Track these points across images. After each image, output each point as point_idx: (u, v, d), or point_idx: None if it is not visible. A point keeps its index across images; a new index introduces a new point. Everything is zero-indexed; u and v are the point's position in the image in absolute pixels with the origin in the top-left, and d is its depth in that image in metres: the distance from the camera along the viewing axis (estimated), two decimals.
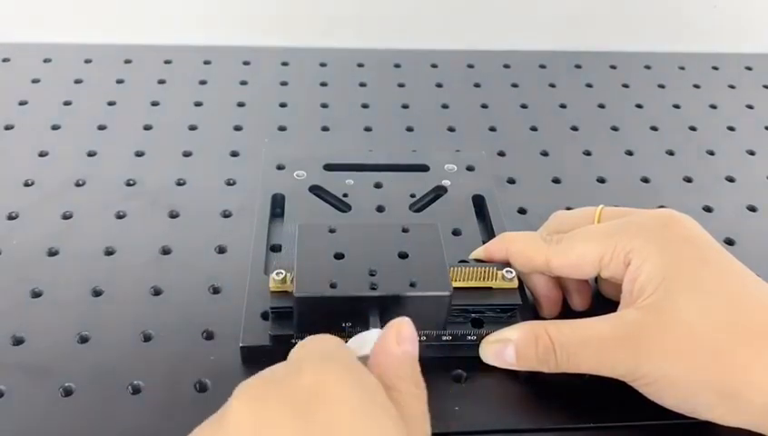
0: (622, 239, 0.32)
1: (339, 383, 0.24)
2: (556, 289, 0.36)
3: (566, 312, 0.36)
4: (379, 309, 0.32)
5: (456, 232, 0.40)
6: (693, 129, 0.54)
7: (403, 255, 0.33)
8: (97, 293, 0.38)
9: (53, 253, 0.40)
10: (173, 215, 0.43)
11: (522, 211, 0.45)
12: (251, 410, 0.23)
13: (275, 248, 0.40)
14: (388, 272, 0.32)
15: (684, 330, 0.30)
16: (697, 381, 0.29)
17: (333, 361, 0.25)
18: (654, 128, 0.53)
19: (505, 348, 0.32)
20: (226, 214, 0.43)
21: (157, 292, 0.38)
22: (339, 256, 0.33)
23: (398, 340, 0.27)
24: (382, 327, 0.29)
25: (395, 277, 0.32)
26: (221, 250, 0.41)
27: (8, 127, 0.49)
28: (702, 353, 0.29)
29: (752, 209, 0.46)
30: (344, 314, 0.32)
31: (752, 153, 0.52)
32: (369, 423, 0.23)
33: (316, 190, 0.43)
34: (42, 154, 0.47)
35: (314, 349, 0.26)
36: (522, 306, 0.35)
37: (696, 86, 0.59)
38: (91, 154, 0.47)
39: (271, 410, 0.23)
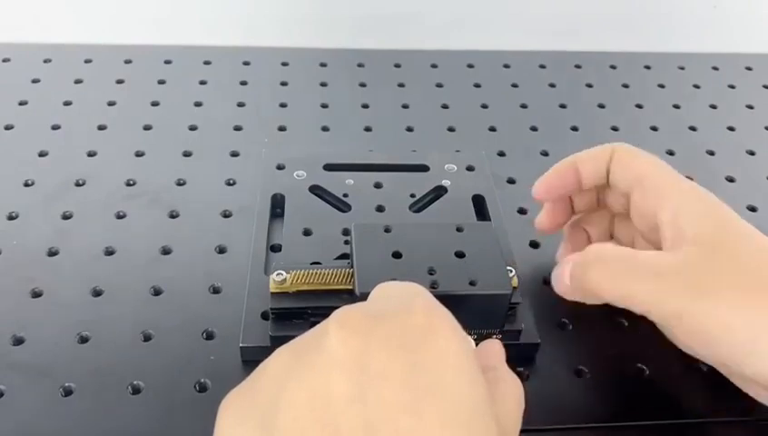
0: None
1: (449, 329, 0.23)
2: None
3: (571, 307, 0.36)
4: None
5: None
6: (693, 129, 0.54)
7: (460, 254, 0.33)
8: (97, 293, 0.38)
9: (53, 253, 0.40)
10: (173, 215, 0.43)
11: (522, 211, 0.45)
12: (355, 344, 0.22)
13: (275, 248, 0.40)
14: (448, 271, 0.33)
15: (750, 268, 0.28)
16: (759, 324, 0.28)
17: (443, 310, 0.24)
18: (654, 128, 0.53)
19: (563, 270, 0.32)
20: (226, 214, 0.43)
21: (157, 292, 0.38)
22: (396, 255, 0.33)
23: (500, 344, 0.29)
24: None
25: (454, 276, 0.32)
26: (221, 250, 0.41)
27: (8, 127, 0.49)
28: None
29: (752, 209, 0.46)
30: None
31: (752, 153, 0.52)
32: (473, 376, 0.23)
33: (316, 190, 0.43)
34: (42, 154, 0.47)
35: (420, 292, 0.25)
36: (522, 305, 0.35)
37: (696, 86, 0.59)
38: (91, 154, 0.47)
39: (378, 345, 0.22)
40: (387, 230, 0.34)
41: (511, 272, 0.35)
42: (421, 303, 0.24)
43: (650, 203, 0.33)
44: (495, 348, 0.28)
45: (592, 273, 0.31)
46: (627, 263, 0.30)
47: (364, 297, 0.31)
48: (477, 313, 0.31)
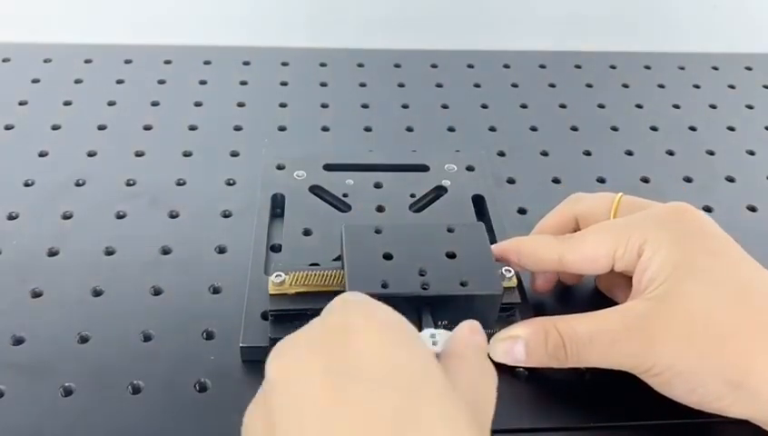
0: (636, 231, 0.32)
1: (365, 318, 0.24)
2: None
3: (570, 310, 0.36)
4: (431, 309, 0.32)
5: None
6: (693, 129, 0.54)
7: (451, 255, 0.33)
8: (97, 293, 0.38)
9: (53, 253, 0.40)
10: (173, 215, 0.43)
11: (522, 211, 0.45)
12: (279, 365, 0.24)
13: (275, 248, 0.40)
14: (438, 272, 0.33)
15: (693, 318, 0.30)
16: (705, 369, 0.29)
17: (356, 302, 0.25)
18: (654, 128, 0.53)
19: (514, 345, 0.32)
20: (226, 214, 0.43)
21: (157, 292, 0.38)
22: (387, 256, 0.33)
23: (471, 329, 0.28)
24: (435, 326, 0.30)
25: (445, 277, 0.32)
26: (221, 250, 0.41)
27: (8, 127, 0.49)
28: (710, 342, 0.29)
29: (752, 209, 0.46)
30: None
31: (752, 153, 0.52)
32: (397, 351, 0.23)
33: (316, 190, 0.43)
34: (42, 154, 0.47)
35: (336, 301, 0.26)
36: (521, 305, 0.35)
37: (696, 86, 0.59)
38: (91, 154, 0.47)
39: (298, 357, 0.23)
40: (377, 231, 0.34)
41: (509, 272, 0.35)
42: (334, 308, 0.25)
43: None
44: (461, 335, 0.27)
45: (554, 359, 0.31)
46: (582, 340, 0.31)
47: None
48: (468, 314, 0.31)
